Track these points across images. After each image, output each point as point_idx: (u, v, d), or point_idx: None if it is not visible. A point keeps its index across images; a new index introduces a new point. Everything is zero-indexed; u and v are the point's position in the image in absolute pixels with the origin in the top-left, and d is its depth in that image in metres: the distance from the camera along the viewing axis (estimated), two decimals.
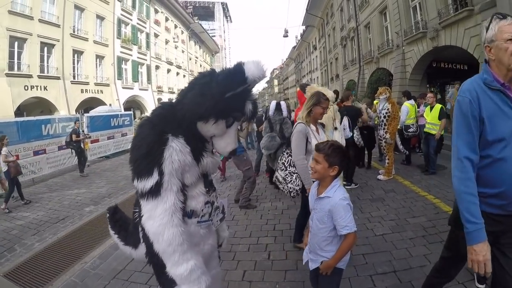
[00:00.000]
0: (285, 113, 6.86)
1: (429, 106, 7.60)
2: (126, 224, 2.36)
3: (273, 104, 7.08)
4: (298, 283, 3.37)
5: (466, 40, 12.63)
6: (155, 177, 1.76)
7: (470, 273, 3.15)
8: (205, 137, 1.98)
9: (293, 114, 7.21)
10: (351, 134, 6.72)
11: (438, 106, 7.31)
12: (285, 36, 42.26)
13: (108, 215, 2.48)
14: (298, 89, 7.35)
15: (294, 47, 63.70)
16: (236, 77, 1.72)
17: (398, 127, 8.34)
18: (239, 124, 2.12)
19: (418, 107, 8.92)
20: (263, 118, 7.86)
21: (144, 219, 1.83)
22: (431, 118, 7.34)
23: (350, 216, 2.13)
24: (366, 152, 8.58)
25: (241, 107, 1.91)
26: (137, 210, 2.21)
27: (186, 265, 1.82)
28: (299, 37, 57.75)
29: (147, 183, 1.77)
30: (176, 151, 1.79)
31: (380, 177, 7.21)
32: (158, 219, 1.77)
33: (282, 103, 7.12)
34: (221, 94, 1.73)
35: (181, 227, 1.82)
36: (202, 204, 2.02)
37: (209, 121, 1.84)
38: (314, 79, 47.17)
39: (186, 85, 1.99)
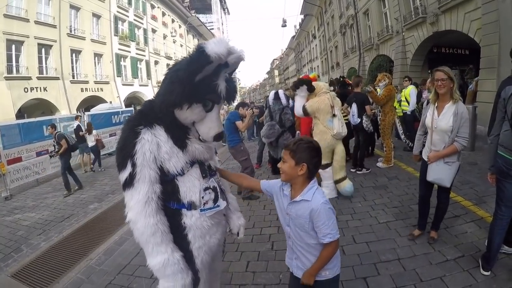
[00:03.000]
0: (284, 101, 7.04)
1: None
2: None
3: (272, 93, 7.30)
4: None
5: (467, 24, 12.45)
6: (128, 169, 1.84)
7: (476, 260, 3.14)
8: (185, 124, 1.99)
9: (291, 102, 7.16)
10: (359, 120, 6.67)
11: None
12: (284, 26, 41.90)
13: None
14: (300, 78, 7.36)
15: (293, 37, 63.20)
16: (199, 58, 1.69)
17: (408, 111, 8.31)
18: (220, 106, 2.09)
19: (421, 94, 8.85)
20: (264, 108, 7.90)
21: (126, 209, 1.89)
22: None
23: (334, 222, 1.89)
24: (376, 137, 8.55)
25: (213, 88, 1.88)
26: None
27: (160, 257, 1.85)
28: (298, 27, 57.33)
29: (123, 175, 1.86)
30: (148, 142, 1.85)
31: (380, 164, 7.15)
32: (133, 209, 1.85)
33: (280, 91, 7.33)
34: (188, 78, 1.73)
35: (154, 218, 1.85)
36: (201, 191, 2.01)
37: (183, 107, 1.85)
38: (314, 68, 46.88)
39: None
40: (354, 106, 6.67)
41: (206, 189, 2.04)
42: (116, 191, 7.98)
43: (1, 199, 8.69)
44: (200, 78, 1.78)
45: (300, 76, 7.27)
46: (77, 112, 17.23)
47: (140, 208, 1.83)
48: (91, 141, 11.43)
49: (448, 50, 17.11)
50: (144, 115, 1.97)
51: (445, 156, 3.34)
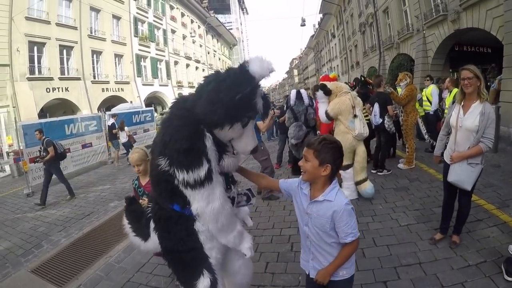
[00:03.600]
0: (306, 101, 6.87)
1: (455, 89, 6.94)
2: (140, 217, 2.44)
3: (293, 93, 7.09)
4: None
5: (489, 21, 12.10)
6: (205, 165, 1.85)
7: (498, 266, 3.05)
8: (223, 141, 2.01)
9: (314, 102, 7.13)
10: (381, 120, 6.57)
11: (455, 91, 6.77)
12: (303, 25, 41.56)
13: (125, 204, 2.63)
14: (321, 77, 7.30)
15: (312, 36, 62.85)
16: (244, 80, 1.72)
17: (431, 111, 8.16)
18: (254, 121, 2.14)
19: (441, 93, 8.67)
20: (284, 108, 7.84)
21: (202, 207, 1.92)
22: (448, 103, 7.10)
23: (355, 222, 1.91)
24: (398, 138, 8.38)
25: (253, 106, 1.88)
26: (150, 206, 2.35)
27: (238, 226, 2.19)
28: (316, 26, 56.99)
29: (201, 172, 1.84)
30: (210, 139, 1.88)
31: (401, 165, 6.99)
32: (217, 200, 1.93)
33: (303, 91, 7.12)
34: (231, 99, 1.72)
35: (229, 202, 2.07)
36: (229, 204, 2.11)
37: (224, 127, 1.86)
38: (334, 67, 46.54)
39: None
40: (376, 106, 6.57)
41: (232, 199, 2.15)
42: None
43: (23, 196, 8.91)
44: (239, 97, 1.76)
45: (320, 76, 7.23)
46: (98, 112, 17.53)
47: (224, 198, 1.98)
48: (123, 137, 12.65)
49: (470, 49, 16.74)
50: (194, 114, 1.90)
51: (469, 157, 3.25)
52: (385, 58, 24.66)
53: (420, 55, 17.75)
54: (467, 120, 3.23)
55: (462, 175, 3.30)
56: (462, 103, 3.36)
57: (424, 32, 17.44)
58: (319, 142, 1.90)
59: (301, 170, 1.99)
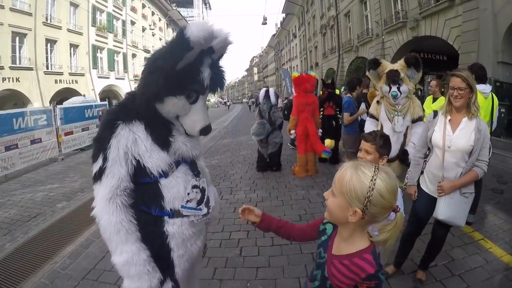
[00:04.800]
0: (273, 100, 7.45)
1: (431, 96, 6.03)
2: None
3: (262, 92, 7.68)
4: (270, 281, 3.34)
5: (447, 30, 12.83)
6: (99, 163, 1.78)
7: None
8: (169, 120, 1.89)
9: (279, 100, 7.38)
10: None
11: (441, 100, 5.47)
12: (264, 23, 41.99)
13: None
14: (294, 75, 7.33)
15: (273, 35, 63.44)
16: (178, 43, 1.56)
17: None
18: (205, 97, 1.95)
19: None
20: (255, 105, 8.34)
21: (93, 202, 1.84)
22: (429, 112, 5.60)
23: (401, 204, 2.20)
24: None
25: (196, 77, 1.75)
26: None
27: (125, 256, 1.77)
28: (278, 25, 57.53)
29: (94, 168, 1.82)
30: (124, 138, 1.77)
31: None
32: (99, 204, 1.79)
33: (271, 90, 7.64)
34: (169, 67, 1.61)
35: (119, 216, 1.77)
36: (187, 187, 1.92)
37: (165, 100, 1.76)
38: (293, 67, 47.19)
39: None
40: (363, 105, 6.71)
41: (194, 187, 1.94)
42: (86, 189, 7.80)
43: None
44: (182, 67, 1.66)
45: (295, 75, 7.22)
46: (49, 105, 16.82)
47: (104, 204, 1.77)
48: None
49: (427, 55, 17.45)
50: (124, 108, 1.88)
51: (463, 186, 2.69)
52: (344, 61, 25.33)
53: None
54: (460, 139, 2.64)
55: (456, 209, 2.70)
56: (449, 117, 2.76)
57: (383, 37, 18.12)
58: (379, 138, 2.28)
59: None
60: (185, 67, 1.68)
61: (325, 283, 1.43)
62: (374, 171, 1.22)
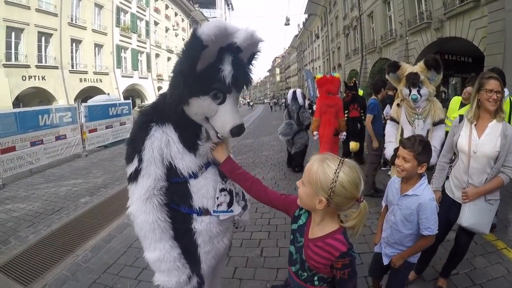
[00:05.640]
0: (300, 101, 7.63)
1: (456, 99, 5.76)
2: None
3: (290, 93, 7.86)
4: None
5: (472, 32, 12.45)
6: (135, 164, 1.81)
7: None
8: (198, 122, 1.86)
9: (307, 101, 7.39)
10: None
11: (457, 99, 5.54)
12: (287, 24, 41.88)
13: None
14: (317, 76, 7.24)
15: (296, 36, 63.30)
16: (192, 43, 1.55)
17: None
18: (235, 97, 1.86)
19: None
20: (284, 107, 8.59)
21: (128, 202, 1.87)
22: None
23: (435, 219, 2.14)
24: None
25: (216, 75, 1.68)
26: None
27: (157, 253, 1.83)
28: (301, 26, 57.33)
29: (129, 169, 1.84)
30: (158, 140, 1.79)
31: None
32: (135, 204, 1.82)
33: (298, 91, 7.79)
34: (188, 68, 1.59)
35: (154, 215, 1.81)
36: (217, 191, 1.96)
37: (190, 102, 1.74)
38: (316, 68, 46.97)
39: None
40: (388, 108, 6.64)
41: (222, 190, 1.98)
42: (108, 186, 7.91)
43: None
44: (203, 67, 1.64)
45: (319, 76, 7.14)
46: (74, 103, 17.20)
47: (140, 204, 1.81)
48: None
49: (451, 57, 17.08)
50: (157, 110, 1.89)
51: (488, 193, 2.59)
52: (367, 62, 25.01)
53: (401, 60, 17.93)
54: (485, 144, 2.56)
55: (480, 216, 2.61)
56: (475, 122, 2.67)
57: (407, 38, 17.78)
58: (418, 144, 2.15)
59: (398, 168, 2.23)
60: (207, 67, 1.66)
61: (304, 265, 1.53)
62: (338, 165, 1.34)
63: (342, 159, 1.38)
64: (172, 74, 1.73)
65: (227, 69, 1.68)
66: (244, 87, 1.88)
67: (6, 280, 3.91)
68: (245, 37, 1.70)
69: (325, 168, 1.35)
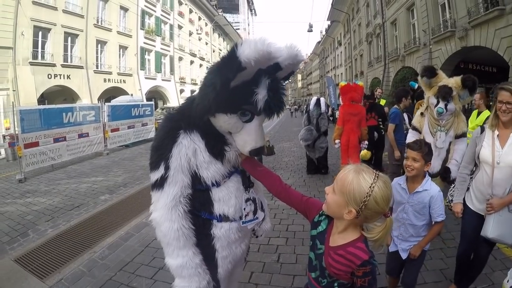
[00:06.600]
0: (323, 108, 7.86)
1: (476, 111, 5.57)
2: None
3: (313, 100, 8.06)
4: None
5: (497, 41, 12.08)
6: (161, 171, 1.77)
7: None
8: (221, 133, 1.83)
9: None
10: None
11: (485, 114, 5.18)
12: (310, 30, 41.74)
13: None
14: (341, 84, 7.12)
15: (318, 42, 63.09)
16: (228, 63, 1.45)
17: None
18: (263, 119, 1.83)
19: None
20: (304, 112, 8.73)
21: (151, 208, 1.86)
22: (473, 126, 5.21)
23: (443, 206, 2.45)
24: None
25: (249, 98, 1.61)
26: None
27: (180, 260, 1.81)
28: (323, 32, 57.15)
29: (154, 176, 1.80)
30: (185, 148, 1.75)
31: None
32: (159, 211, 1.80)
33: (322, 99, 8.02)
34: (220, 84, 1.49)
35: (179, 223, 1.79)
36: (239, 203, 1.93)
37: (216, 116, 1.70)
38: (338, 75, 46.63)
39: None
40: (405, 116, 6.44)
41: (247, 200, 1.95)
42: (128, 185, 7.98)
43: (15, 182, 8.80)
44: (237, 84, 1.55)
45: (342, 84, 7.02)
46: (98, 102, 17.53)
47: (166, 212, 1.78)
48: None
49: (475, 67, 16.62)
50: (184, 115, 1.84)
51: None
52: (389, 70, 24.60)
53: None
54: (509, 154, 2.51)
55: (505, 227, 2.53)
56: (497, 132, 2.64)
57: (430, 46, 17.41)
58: (425, 146, 2.45)
59: (408, 168, 2.46)
60: (239, 86, 1.57)
61: (324, 272, 1.51)
62: (373, 179, 1.32)
63: (378, 173, 1.36)
64: (203, 81, 1.65)
65: (261, 94, 1.62)
66: (275, 114, 1.81)
67: (22, 271, 3.96)
68: (288, 56, 1.60)
69: (360, 181, 1.32)
